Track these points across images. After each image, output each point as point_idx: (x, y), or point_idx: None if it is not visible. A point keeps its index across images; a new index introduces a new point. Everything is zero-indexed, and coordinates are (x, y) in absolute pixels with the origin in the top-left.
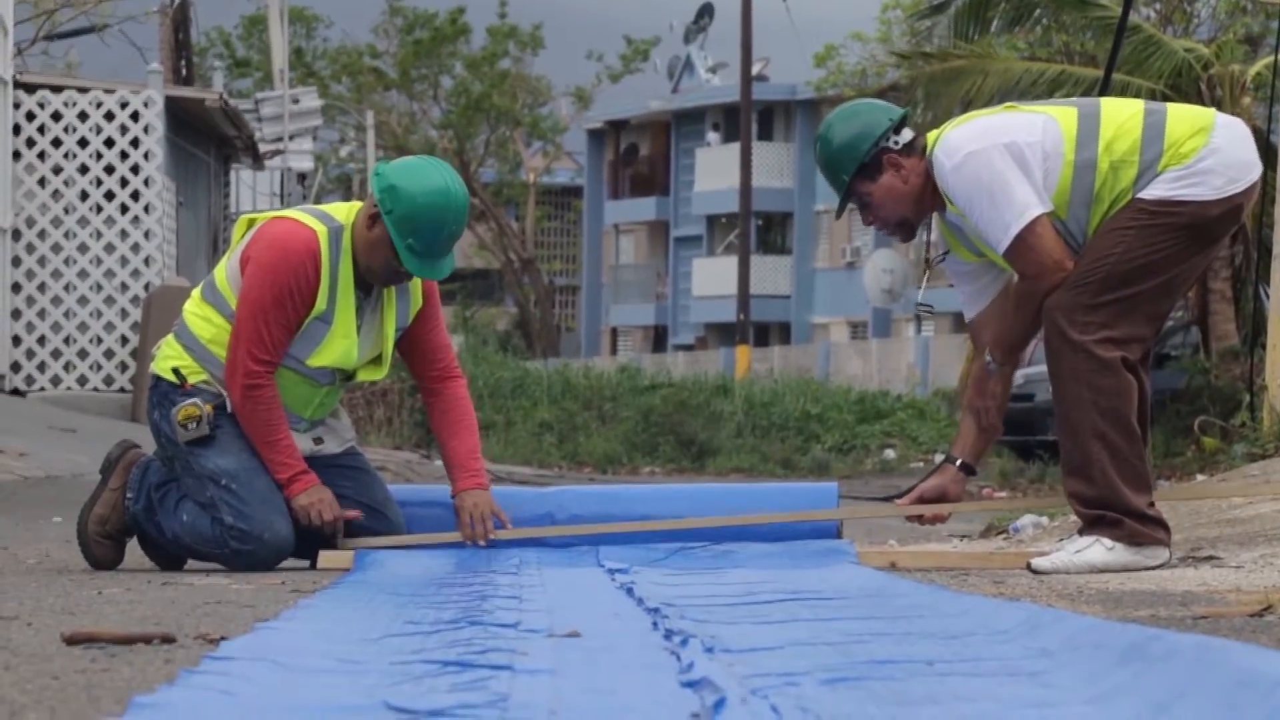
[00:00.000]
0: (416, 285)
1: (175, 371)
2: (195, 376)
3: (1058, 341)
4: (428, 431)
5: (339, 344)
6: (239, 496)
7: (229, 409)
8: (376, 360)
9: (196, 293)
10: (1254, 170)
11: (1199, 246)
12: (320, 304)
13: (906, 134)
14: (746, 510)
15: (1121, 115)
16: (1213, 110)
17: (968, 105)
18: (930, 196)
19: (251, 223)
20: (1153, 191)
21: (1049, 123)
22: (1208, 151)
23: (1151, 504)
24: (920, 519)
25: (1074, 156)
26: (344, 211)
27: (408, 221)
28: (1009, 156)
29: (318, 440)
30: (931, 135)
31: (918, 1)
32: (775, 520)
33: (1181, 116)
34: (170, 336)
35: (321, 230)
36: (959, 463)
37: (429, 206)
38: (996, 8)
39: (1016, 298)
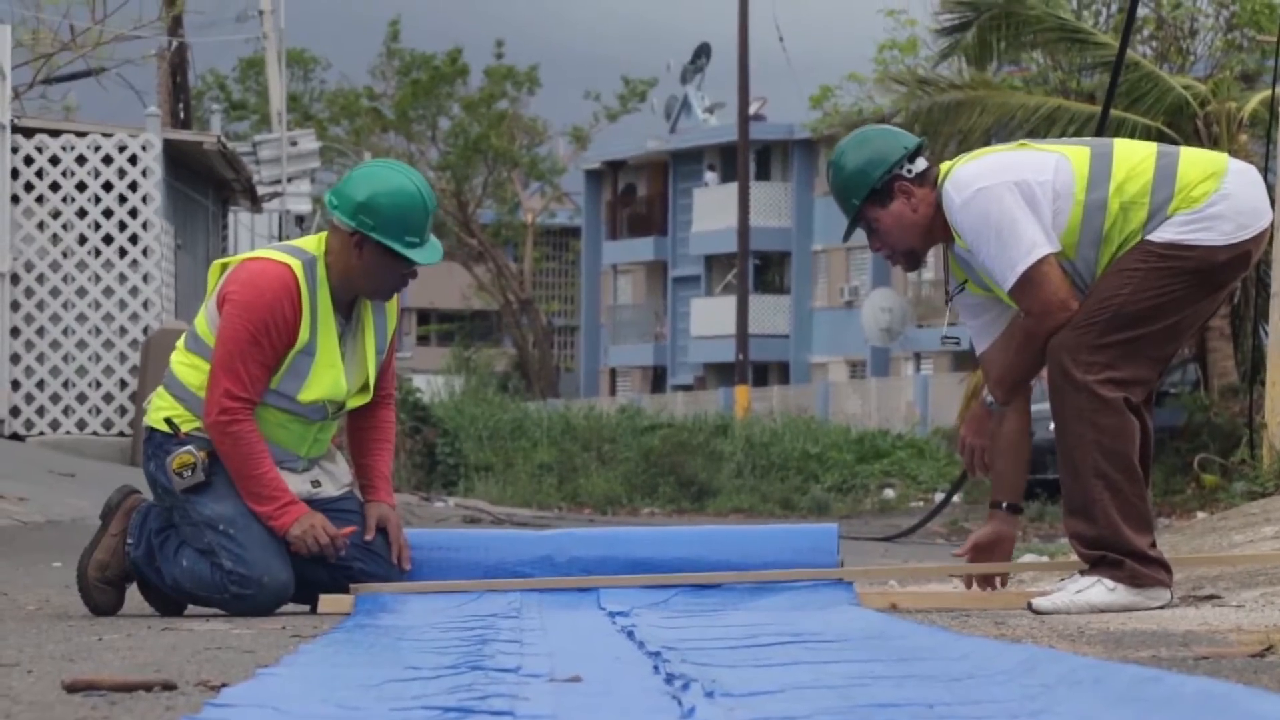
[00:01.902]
0: (392, 305)
1: (168, 421)
2: (188, 425)
3: (1061, 381)
4: (427, 473)
5: (326, 374)
6: (237, 541)
7: None
8: (364, 388)
9: (180, 343)
10: (1264, 217)
11: (1205, 292)
12: (303, 336)
13: (920, 163)
14: (747, 550)
15: (1134, 157)
16: (1226, 155)
17: (963, 140)
18: (939, 228)
19: (224, 267)
20: (1162, 234)
21: (1061, 162)
22: (1219, 197)
23: (1153, 544)
24: (988, 584)
25: (1084, 196)
26: (313, 243)
27: (397, 223)
28: (1018, 194)
29: (315, 483)
30: (944, 166)
31: (914, 41)
32: (782, 579)
33: (1194, 160)
34: (160, 388)
35: (296, 264)
36: (1005, 505)
37: (405, 202)
38: (998, 39)
39: (1019, 336)
